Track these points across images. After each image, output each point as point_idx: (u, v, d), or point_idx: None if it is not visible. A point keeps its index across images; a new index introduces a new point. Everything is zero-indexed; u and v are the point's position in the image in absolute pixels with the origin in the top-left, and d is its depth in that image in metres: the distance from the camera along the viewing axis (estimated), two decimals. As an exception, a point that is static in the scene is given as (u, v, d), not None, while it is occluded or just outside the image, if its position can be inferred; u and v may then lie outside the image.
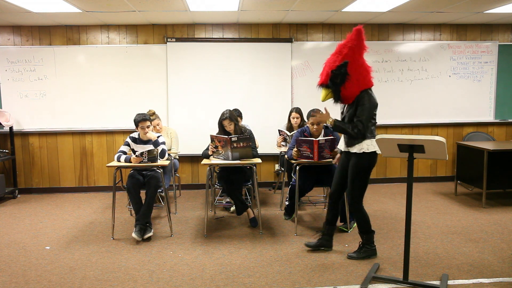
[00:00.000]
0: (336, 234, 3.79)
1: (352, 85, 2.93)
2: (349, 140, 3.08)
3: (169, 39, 5.48)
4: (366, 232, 3.22)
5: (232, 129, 3.98)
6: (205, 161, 3.86)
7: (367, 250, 3.23)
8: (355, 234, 3.78)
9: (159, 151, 3.79)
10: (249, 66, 5.54)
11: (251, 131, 4.14)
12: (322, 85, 3.00)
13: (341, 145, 3.21)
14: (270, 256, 3.28)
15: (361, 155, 3.03)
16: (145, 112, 4.46)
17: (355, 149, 3.04)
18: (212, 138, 3.82)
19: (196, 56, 5.49)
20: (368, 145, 3.01)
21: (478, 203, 4.76)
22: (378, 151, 3.01)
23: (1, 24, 5.35)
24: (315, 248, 3.35)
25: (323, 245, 3.35)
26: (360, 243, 3.26)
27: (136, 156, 3.70)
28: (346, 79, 2.90)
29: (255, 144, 4.17)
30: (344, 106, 3.16)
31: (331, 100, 3.06)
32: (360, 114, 2.96)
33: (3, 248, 3.55)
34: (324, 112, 3.14)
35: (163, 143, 3.97)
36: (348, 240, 3.62)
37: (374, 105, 3.01)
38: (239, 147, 3.65)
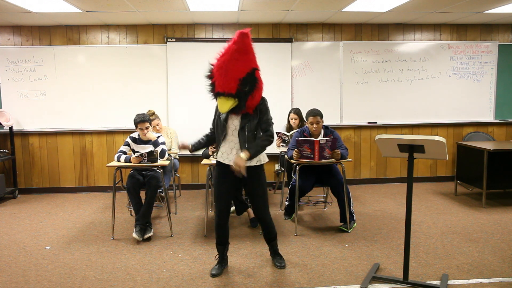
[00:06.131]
0: (336, 234, 3.80)
1: (258, 93, 2.74)
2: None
3: (169, 39, 5.48)
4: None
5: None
6: (205, 161, 3.86)
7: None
8: (355, 234, 3.79)
9: (159, 152, 3.79)
10: (249, 66, 5.53)
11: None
12: (227, 94, 2.63)
13: (230, 158, 2.82)
14: (270, 256, 3.27)
15: (260, 166, 2.92)
16: (145, 112, 4.46)
17: (254, 161, 2.83)
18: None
19: (196, 56, 5.48)
20: (263, 155, 2.92)
21: (478, 203, 4.76)
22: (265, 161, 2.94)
23: (1, 24, 5.35)
24: (221, 273, 3.02)
25: (225, 264, 3.11)
26: (217, 257, 3.11)
27: (136, 156, 3.70)
28: (255, 87, 2.68)
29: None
30: (218, 115, 2.87)
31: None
32: (268, 120, 2.85)
33: (3, 248, 3.55)
34: (238, 160, 2.73)
35: (163, 143, 3.97)
36: (348, 240, 3.62)
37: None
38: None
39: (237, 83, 2.61)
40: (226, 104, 2.67)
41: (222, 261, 3.08)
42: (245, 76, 2.62)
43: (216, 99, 2.74)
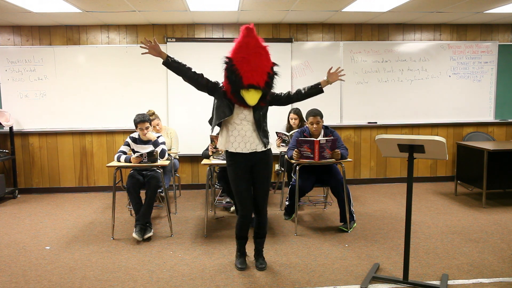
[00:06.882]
0: (336, 234, 3.80)
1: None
2: (265, 138, 2.95)
3: (169, 39, 5.48)
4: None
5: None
6: (205, 161, 3.86)
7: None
8: (355, 234, 3.79)
9: (159, 152, 3.79)
10: (249, 66, 5.54)
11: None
12: (261, 87, 2.78)
13: (250, 147, 2.91)
14: (270, 256, 3.28)
15: (270, 151, 3.04)
16: (145, 112, 4.46)
17: (265, 146, 2.96)
18: (212, 139, 3.82)
19: (196, 56, 5.48)
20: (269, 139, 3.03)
21: (478, 203, 4.76)
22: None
23: (1, 24, 5.35)
24: (247, 266, 3.11)
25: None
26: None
27: (136, 156, 3.70)
28: (274, 79, 2.88)
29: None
30: (223, 100, 2.92)
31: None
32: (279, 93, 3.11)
33: (3, 248, 3.55)
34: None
35: (163, 143, 3.97)
36: (348, 240, 3.62)
37: None
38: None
39: (266, 76, 2.78)
40: (256, 96, 2.80)
41: (244, 254, 3.17)
42: (271, 70, 2.81)
43: (239, 92, 2.78)
